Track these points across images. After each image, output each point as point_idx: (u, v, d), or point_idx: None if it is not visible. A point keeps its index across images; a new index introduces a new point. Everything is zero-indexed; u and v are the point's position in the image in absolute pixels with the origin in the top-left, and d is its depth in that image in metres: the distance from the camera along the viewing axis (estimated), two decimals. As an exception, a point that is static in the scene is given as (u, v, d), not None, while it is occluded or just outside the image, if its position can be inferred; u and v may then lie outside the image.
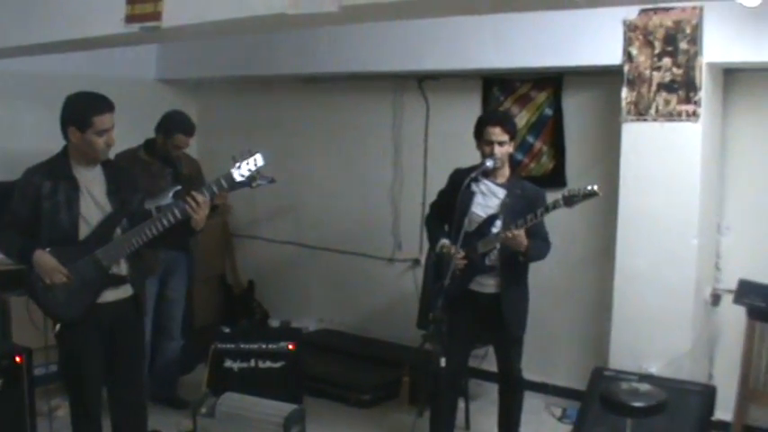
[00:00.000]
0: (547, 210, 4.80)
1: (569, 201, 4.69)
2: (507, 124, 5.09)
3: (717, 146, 5.90)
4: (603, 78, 6.16)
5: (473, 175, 4.93)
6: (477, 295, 5.06)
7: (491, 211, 5.02)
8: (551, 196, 4.90)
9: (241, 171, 4.20)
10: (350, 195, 7.81)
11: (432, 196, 5.60)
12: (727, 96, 5.96)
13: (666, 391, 4.65)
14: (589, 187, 4.66)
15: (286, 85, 8.05)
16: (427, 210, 5.62)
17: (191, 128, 6.04)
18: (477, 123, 5.12)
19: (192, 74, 8.26)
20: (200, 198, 4.20)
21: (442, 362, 4.55)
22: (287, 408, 5.18)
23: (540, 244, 5.04)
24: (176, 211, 4.22)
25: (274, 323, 7.95)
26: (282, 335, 6.25)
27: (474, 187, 5.02)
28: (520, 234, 4.78)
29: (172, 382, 6.37)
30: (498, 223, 5.00)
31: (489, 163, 4.91)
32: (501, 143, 4.97)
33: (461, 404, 5.68)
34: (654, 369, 5.61)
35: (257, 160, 4.23)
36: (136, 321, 4.64)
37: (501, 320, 5.04)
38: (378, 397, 6.50)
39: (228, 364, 5.94)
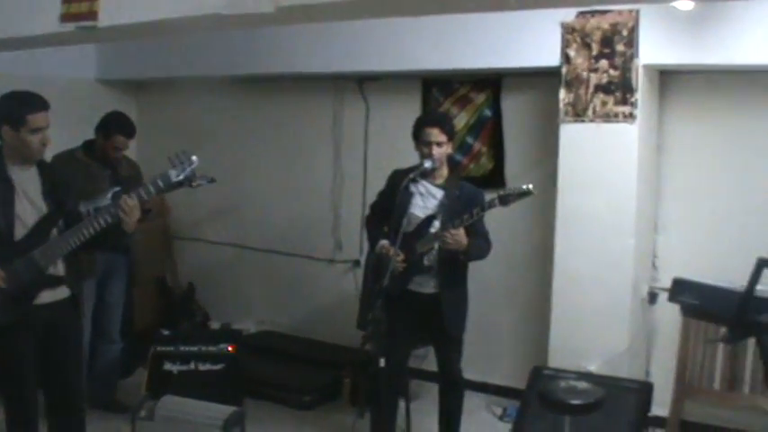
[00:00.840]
0: (483, 209, 4.83)
1: (504, 200, 4.74)
2: (445, 125, 5.11)
3: (653, 146, 5.99)
4: (542, 80, 6.23)
5: (411, 176, 4.95)
6: (416, 295, 5.07)
7: (429, 212, 5.04)
8: (490, 197, 4.93)
9: (177, 171, 4.19)
10: (290, 197, 7.79)
11: (372, 197, 5.60)
12: (663, 98, 6.06)
13: (604, 389, 4.68)
14: (524, 186, 4.72)
15: (227, 86, 8.00)
16: (367, 210, 5.64)
17: (131, 129, 5.98)
18: (415, 124, 5.13)
19: (132, 74, 8.20)
20: (130, 202, 4.18)
21: (382, 362, 4.56)
22: (226, 410, 5.14)
23: (480, 243, 5.06)
24: (107, 215, 4.19)
25: (215, 325, 7.90)
26: (222, 337, 6.23)
27: (412, 188, 5.04)
28: (458, 233, 4.81)
29: (111, 386, 6.28)
30: (436, 224, 5.02)
31: (427, 164, 4.93)
32: (439, 144, 4.99)
33: (402, 404, 5.68)
34: (592, 367, 5.67)
35: (192, 161, 4.22)
36: (73, 323, 4.58)
37: (440, 321, 5.06)
38: (318, 398, 6.49)
39: (168, 366, 5.89)
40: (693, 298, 4.05)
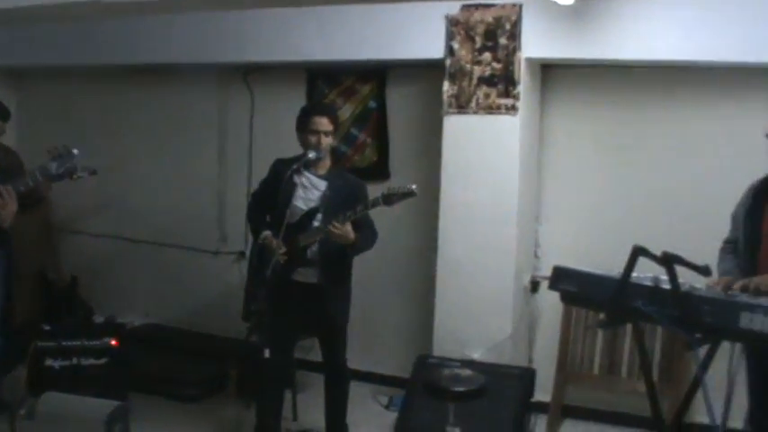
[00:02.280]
0: (366, 207, 4.85)
1: (388, 199, 4.77)
2: (333, 115, 5.17)
3: (535, 138, 6.12)
4: (426, 72, 6.29)
5: (295, 166, 4.93)
6: (300, 286, 5.04)
7: (312, 204, 5.02)
8: (374, 188, 4.96)
9: (57, 164, 4.11)
10: (175, 188, 7.69)
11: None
12: (545, 91, 6.20)
13: (487, 376, 4.78)
14: (408, 187, 4.75)
15: (110, 76, 7.85)
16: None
17: (5, 112, 5.80)
18: (301, 114, 5.11)
19: (12, 61, 7.93)
20: (4, 193, 4.08)
21: (267, 353, 4.55)
22: (110, 405, 5.05)
23: (367, 233, 5.07)
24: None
25: (99, 319, 7.74)
26: (106, 331, 6.12)
27: (295, 179, 5.02)
28: (345, 227, 4.82)
29: (-11, 384, 6.12)
30: (319, 216, 5.01)
31: (311, 154, 4.92)
32: (327, 133, 5.00)
33: (289, 395, 5.68)
34: (476, 355, 5.77)
35: (73, 154, 4.15)
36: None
37: (324, 311, 5.07)
38: (205, 391, 6.43)
39: (49, 362, 5.75)
40: (572, 285, 4.14)
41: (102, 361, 5.81)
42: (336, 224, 4.80)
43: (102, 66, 7.56)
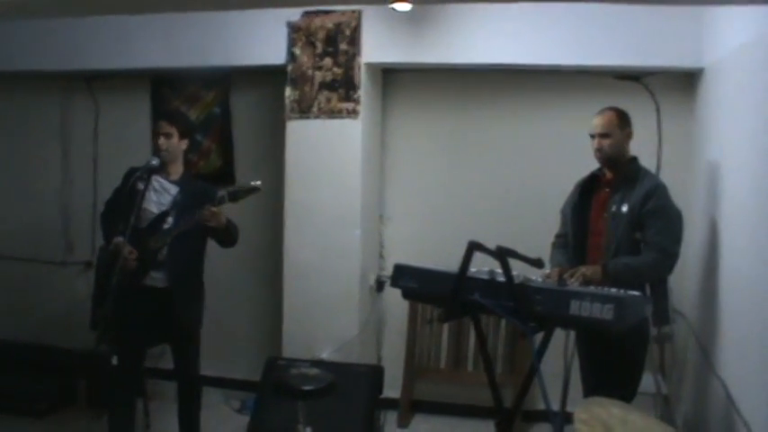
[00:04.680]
0: (213, 205, 4.87)
1: (234, 196, 4.80)
2: (173, 118, 5.19)
3: (376, 141, 6.29)
4: (270, 77, 6.37)
5: (138, 173, 4.92)
6: (150, 291, 4.99)
7: (164, 208, 5.03)
8: (220, 193, 4.99)
9: None
10: (17, 199, 7.48)
11: (103, 196, 5.50)
12: (386, 94, 6.40)
13: (336, 374, 4.88)
14: (252, 183, 4.80)
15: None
16: (99, 210, 5.54)
17: None
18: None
19: None
20: None
21: (114, 360, 4.52)
22: (-49, 423, 4.95)
23: (232, 223, 5.12)
24: None
25: (-62, 338, 7.50)
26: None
27: (139, 185, 4.95)
28: (218, 211, 4.84)
29: None
30: (170, 220, 5.01)
31: (154, 161, 4.92)
32: (167, 135, 5.00)
33: (140, 404, 5.65)
34: (325, 355, 5.88)
35: None
36: None
37: (175, 316, 5.04)
38: (54, 404, 6.31)
39: None
40: (413, 282, 4.30)
41: (-56, 380, 5.66)
42: (212, 208, 4.81)
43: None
